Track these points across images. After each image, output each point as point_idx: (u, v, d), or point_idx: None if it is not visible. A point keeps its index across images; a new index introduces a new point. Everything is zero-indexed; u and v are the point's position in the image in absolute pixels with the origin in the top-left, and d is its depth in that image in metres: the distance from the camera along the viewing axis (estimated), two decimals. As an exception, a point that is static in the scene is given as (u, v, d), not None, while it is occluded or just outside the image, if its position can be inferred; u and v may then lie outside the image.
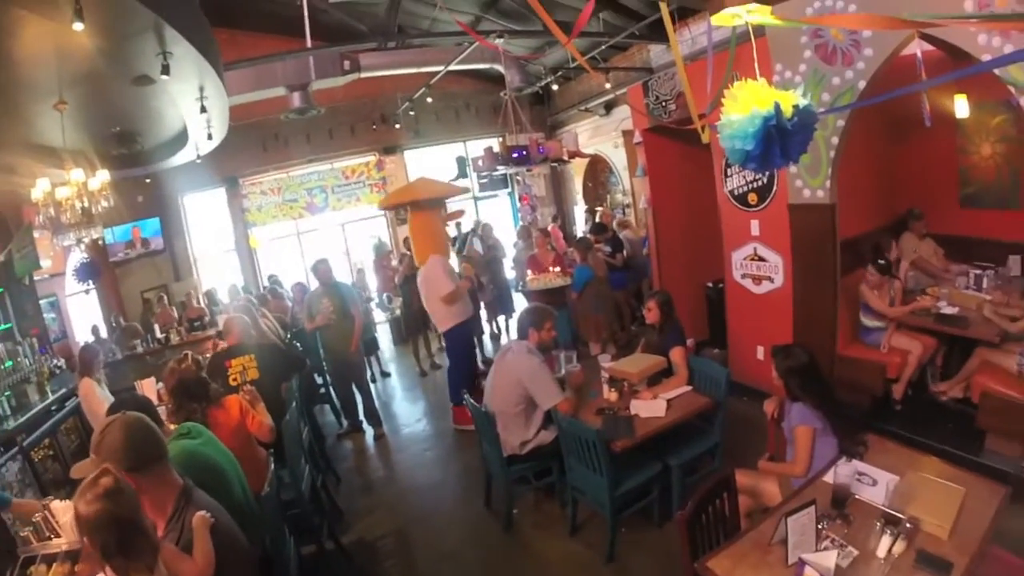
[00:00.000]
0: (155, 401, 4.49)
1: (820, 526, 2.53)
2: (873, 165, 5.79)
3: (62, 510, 3.16)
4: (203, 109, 5.21)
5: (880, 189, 6.02)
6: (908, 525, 2.43)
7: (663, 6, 3.71)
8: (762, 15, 1.94)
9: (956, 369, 5.10)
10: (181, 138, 7.00)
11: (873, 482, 2.87)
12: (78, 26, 2.95)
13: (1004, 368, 4.50)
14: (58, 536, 3.12)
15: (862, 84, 4.53)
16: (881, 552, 2.39)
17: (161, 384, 5.43)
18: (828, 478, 2.93)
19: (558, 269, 7.00)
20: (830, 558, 2.37)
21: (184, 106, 5.47)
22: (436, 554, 4.45)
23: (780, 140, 2.03)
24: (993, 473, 3.39)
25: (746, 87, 2.07)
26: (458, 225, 11.05)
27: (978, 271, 5.49)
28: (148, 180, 9.44)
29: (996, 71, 3.54)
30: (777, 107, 2.00)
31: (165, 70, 4.01)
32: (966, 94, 4.97)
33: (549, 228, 10.50)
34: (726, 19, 1.97)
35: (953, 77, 4.28)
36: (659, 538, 4.09)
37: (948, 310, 5.15)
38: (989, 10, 3.55)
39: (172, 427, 3.19)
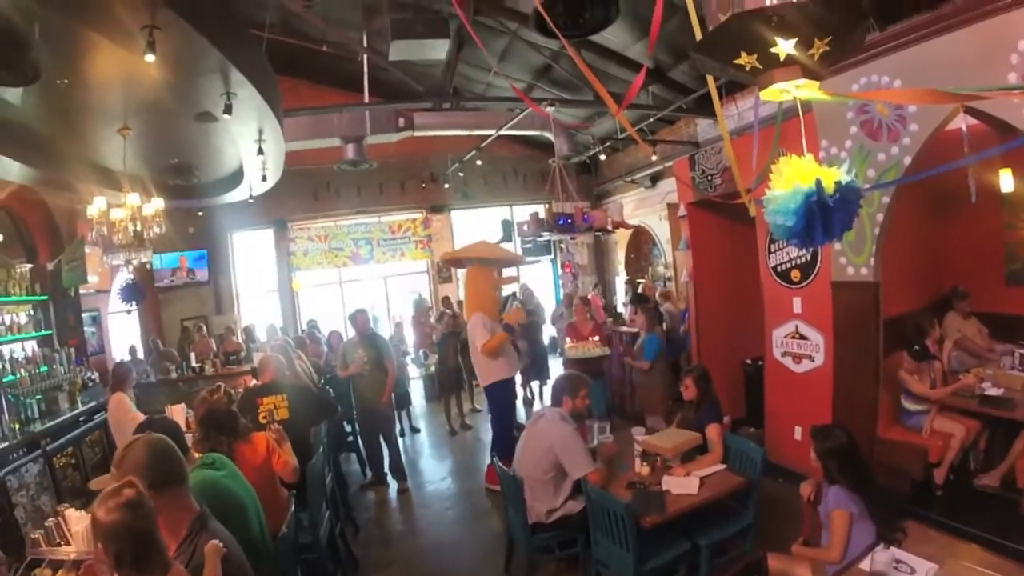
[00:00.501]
0: (183, 428, 4.53)
1: (856, 616, 2.41)
2: (918, 242, 5.74)
3: (76, 519, 3.18)
4: (260, 151, 5.44)
5: (925, 267, 5.95)
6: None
7: (711, 81, 3.80)
8: (810, 90, 1.96)
9: (1001, 452, 4.92)
10: (236, 176, 7.28)
11: (911, 571, 2.75)
12: (150, 58, 3.13)
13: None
14: (68, 544, 3.14)
15: (907, 160, 4.54)
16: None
17: (191, 412, 5.50)
18: (865, 565, 2.81)
19: (596, 339, 6.95)
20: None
21: (242, 146, 5.71)
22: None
23: (822, 216, 2.03)
24: None
25: (791, 163, 2.08)
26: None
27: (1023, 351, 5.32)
28: (200, 213, 9.82)
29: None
30: (819, 183, 2.01)
31: (228, 110, 4.20)
32: (1011, 168, 4.94)
33: (590, 296, 10.49)
34: (775, 94, 1.99)
35: (999, 151, 4.25)
36: (685, 620, 3.91)
37: (992, 391, 5.01)
38: None
39: (196, 455, 3.20)
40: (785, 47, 1.82)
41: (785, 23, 1.77)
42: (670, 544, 3.95)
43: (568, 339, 7.30)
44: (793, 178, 2.06)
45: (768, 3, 1.77)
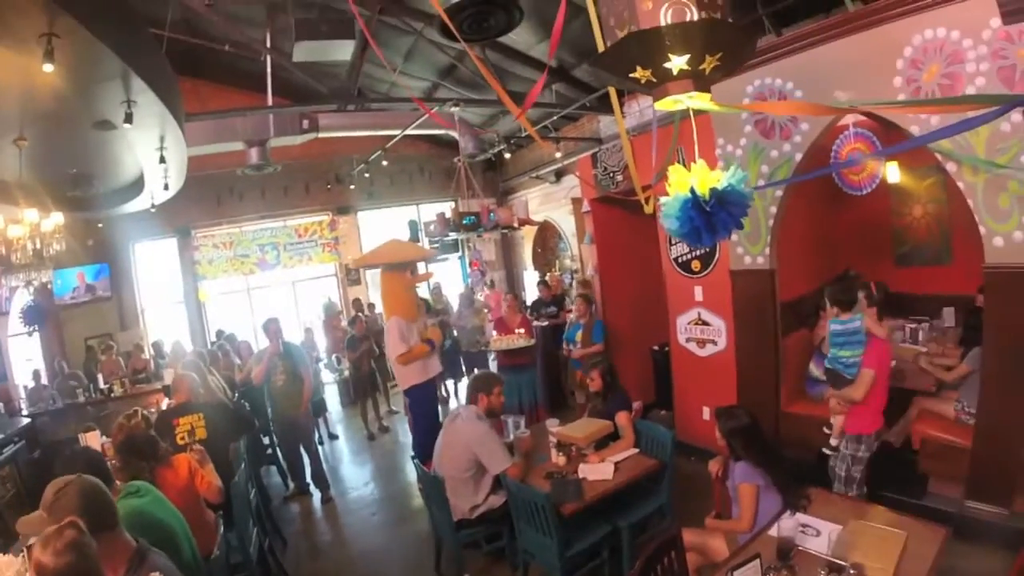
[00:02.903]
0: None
1: (765, 578, 2.61)
2: (811, 229, 6.09)
3: (4, 564, 2.99)
4: (162, 159, 5.21)
5: (819, 252, 6.31)
6: (852, 571, 2.54)
7: (611, 89, 3.97)
8: (702, 101, 2.11)
9: (896, 418, 5.27)
10: (137, 185, 6.95)
11: (816, 533, 2.97)
12: (48, 68, 2.98)
13: (942, 414, 4.76)
14: None
15: (798, 156, 4.84)
16: (826, 600, 2.48)
17: (106, 438, 5.25)
18: (773, 532, 3.01)
19: (523, 331, 7.03)
20: (776, 609, 2.45)
21: (143, 154, 5.46)
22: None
23: (703, 220, 2.21)
24: (937, 515, 3.55)
25: (676, 170, 2.25)
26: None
27: (913, 325, 5.81)
28: (100, 225, 9.27)
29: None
30: (692, 191, 2.18)
31: (128, 118, 4.02)
32: (897, 160, 5.34)
33: (483, 295, 10.56)
34: (669, 104, 2.13)
35: (886, 153, 4.63)
36: (611, 599, 4.07)
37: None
38: (917, 85, 3.91)
39: (119, 484, 3.10)
40: (678, 63, 1.96)
41: (677, 41, 1.91)
42: (592, 528, 4.11)
43: (495, 332, 7.35)
44: (676, 185, 2.24)
45: (662, 23, 1.90)
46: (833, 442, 4.40)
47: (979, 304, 4.65)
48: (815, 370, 5.52)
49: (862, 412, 4.15)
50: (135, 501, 2.77)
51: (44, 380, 9.13)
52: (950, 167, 3.95)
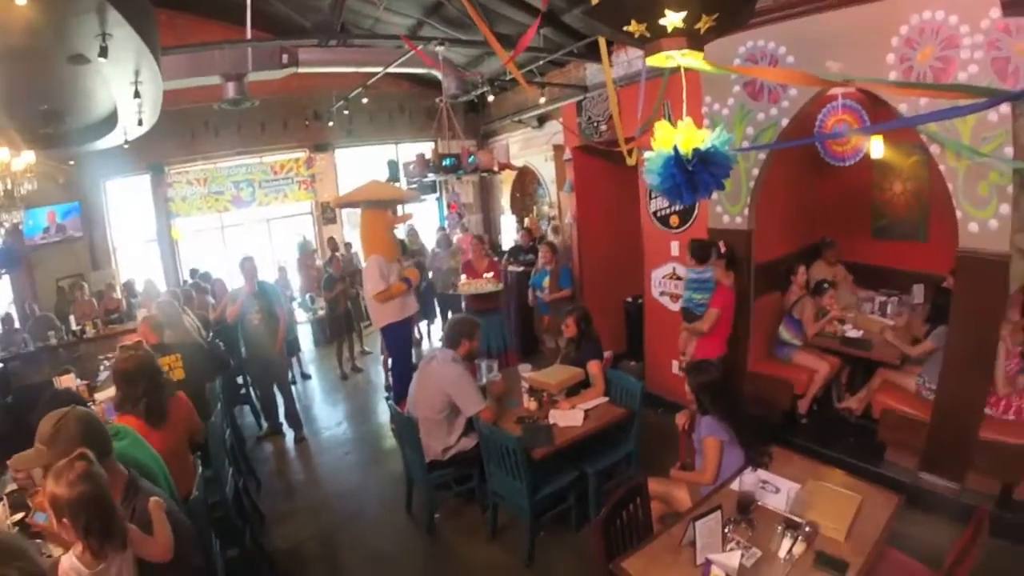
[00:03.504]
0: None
1: (726, 530, 2.72)
2: (792, 195, 6.11)
3: None
4: (137, 94, 5.04)
5: (797, 218, 6.37)
6: (807, 529, 2.65)
7: (601, 39, 3.90)
8: (694, 59, 2.10)
9: (860, 386, 5.47)
10: (110, 121, 6.76)
11: (776, 490, 3.08)
12: (21, 0, 2.86)
13: (903, 387, 4.89)
14: None
15: (785, 122, 4.82)
16: (782, 553, 2.61)
17: (81, 380, 5.21)
18: (735, 486, 3.15)
19: (491, 275, 7.05)
20: (734, 558, 2.56)
21: (117, 89, 5.30)
22: (359, 559, 4.45)
23: (684, 178, 2.22)
24: (892, 483, 3.74)
25: (662, 126, 2.25)
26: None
27: (883, 298, 5.93)
28: (72, 163, 9.00)
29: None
30: (675, 149, 2.18)
31: (103, 52, 3.89)
32: (882, 135, 5.37)
33: (457, 238, 10.54)
34: (660, 60, 2.11)
35: (873, 130, 4.63)
36: (577, 541, 4.23)
37: (853, 333, 5.52)
38: (909, 64, 3.90)
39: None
40: (673, 19, 1.93)
41: (676, -3, 1.88)
42: (560, 473, 4.23)
43: (464, 276, 7.37)
44: (660, 142, 2.24)
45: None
46: (685, 366, 5.14)
47: (947, 285, 4.75)
48: (784, 333, 5.65)
49: (710, 340, 5.22)
50: (115, 443, 2.77)
51: (16, 324, 8.96)
52: (934, 149, 3.97)
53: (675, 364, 6.18)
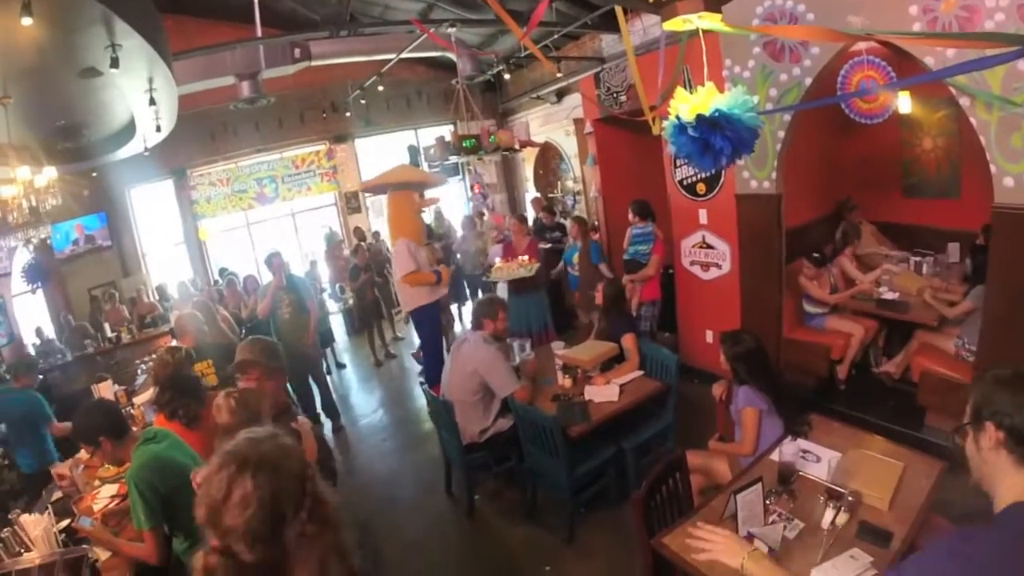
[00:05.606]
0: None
1: (767, 501, 2.68)
2: (819, 157, 5.99)
3: (32, 523, 3.02)
4: (152, 101, 5.06)
5: (826, 179, 6.23)
6: (850, 498, 2.59)
7: (617, 7, 3.81)
8: (712, 22, 2.03)
9: (898, 350, 5.34)
10: (129, 130, 6.80)
11: (817, 459, 3.03)
12: (27, 21, 2.87)
13: (942, 350, 4.77)
14: (29, 551, 2.98)
15: (808, 81, 4.66)
16: (825, 524, 2.55)
17: (119, 386, 5.28)
18: (774, 456, 3.08)
19: (526, 258, 6.96)
20: (777, 531, 2.52)
21: (132, 98, 5.32)
22: (401, 544, 4.50)
23: (694, 144, 2.16)
24: (933, 448, 3.59)
25: (678, 94, 2.19)
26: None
27: (918, 258, 5.78)
28: (94, 174, 9.14)
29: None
30: (677, 116, 2.14)
31: (114, 63, 3.89)
32: (910, 91, 5.18)
33: (489, 217, 10.49)
34: (678, 24, 2.05)
35: (899, 86, 4.46)
36: (616, 518, 4.21)
37: (889, 295, 5.39)
38: (934, 15, 3.72)
39: (136, 431, 3.12)
40: (688, -19, 1.87)
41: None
42: (598, 450, 4.21)
43: (498, 259, 7.32)
44: (673, 109, 2.20)
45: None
46: (634, 312, 5.88)
47: (980, 242, 4.59)
48: (807, 305, 5.60)
49: (652, 284, 6.21)
50: (154, 447, 2.78)
51: (49, 335, 9.13)
52: (963, 101, 3.78)
53: (708, 333, 6.12)
